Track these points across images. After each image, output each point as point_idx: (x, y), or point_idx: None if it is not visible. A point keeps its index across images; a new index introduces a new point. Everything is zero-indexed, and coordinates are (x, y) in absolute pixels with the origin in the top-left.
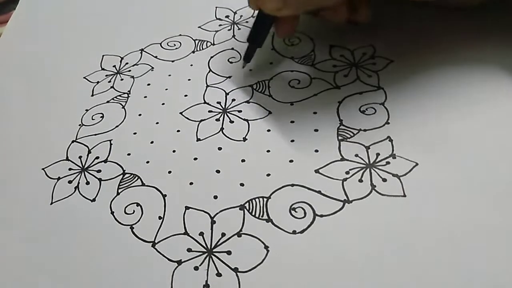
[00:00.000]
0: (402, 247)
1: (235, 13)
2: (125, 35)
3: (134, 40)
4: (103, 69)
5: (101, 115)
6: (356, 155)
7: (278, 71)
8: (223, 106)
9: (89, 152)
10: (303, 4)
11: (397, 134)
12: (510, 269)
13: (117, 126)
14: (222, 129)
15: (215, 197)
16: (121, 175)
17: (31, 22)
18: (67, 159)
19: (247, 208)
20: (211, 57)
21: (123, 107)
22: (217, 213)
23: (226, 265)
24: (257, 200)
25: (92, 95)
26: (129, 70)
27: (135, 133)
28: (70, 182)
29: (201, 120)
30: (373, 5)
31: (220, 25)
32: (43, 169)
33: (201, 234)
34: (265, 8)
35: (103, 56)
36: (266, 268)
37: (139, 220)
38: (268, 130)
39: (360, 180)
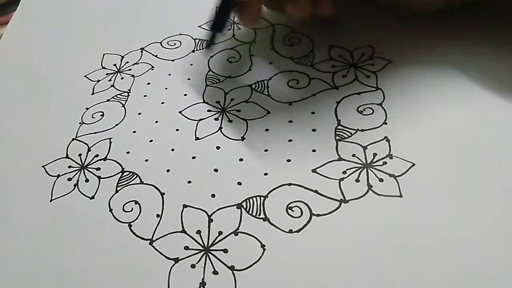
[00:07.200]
0: (398, 247)
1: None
2: (126, 34)
3: (134, 39)
4: (103, 67)
5: (101, 113)
6: (353, 155)
7: (277, 71)
8: (222, 106)
9: (89, 150)
10: None
11: (395, 135)
12: (507, 269)
13: (117, 125)
14: (220, 128)
15: (213, 195)
16: (120, 173)
17: (32, 23)
18: (67, 156)
19: (244, 207)
20: (211, 56)
21: (123, 105)
22: (214, 212)
23: (223, 263)
24: (254, 199)
25: (93, 94)
26: (130, 69)
27: (134, 132)
28: (69, 179)
29: (200, 119)
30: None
31: None
32: (43, 166)
33: (198, 232)
34: None
35: (103, 54)
36: (262, 267)
37: (137, 218)
38: (266, 130)
39: (357, 180)
